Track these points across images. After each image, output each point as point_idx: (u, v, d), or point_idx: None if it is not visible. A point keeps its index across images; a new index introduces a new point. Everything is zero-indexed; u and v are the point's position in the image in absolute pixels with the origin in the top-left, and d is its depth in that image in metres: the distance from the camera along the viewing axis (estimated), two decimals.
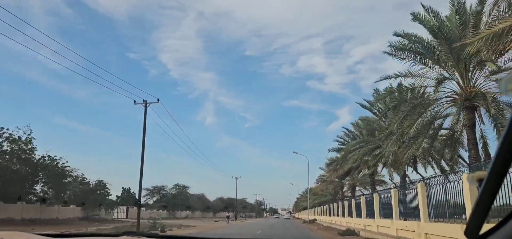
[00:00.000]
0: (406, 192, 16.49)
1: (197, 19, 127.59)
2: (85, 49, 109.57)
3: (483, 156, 16.67)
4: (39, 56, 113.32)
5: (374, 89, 24.11)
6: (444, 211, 12.52)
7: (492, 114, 14.78)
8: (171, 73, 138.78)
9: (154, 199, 72.13)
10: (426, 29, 15.71)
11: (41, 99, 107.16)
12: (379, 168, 28.14)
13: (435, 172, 24.01)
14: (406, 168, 23.25)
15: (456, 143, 19.09)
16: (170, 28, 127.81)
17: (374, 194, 22.93)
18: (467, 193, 10.40)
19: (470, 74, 15.39)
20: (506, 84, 0.77)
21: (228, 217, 48.07)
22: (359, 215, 26.97)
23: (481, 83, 15.50)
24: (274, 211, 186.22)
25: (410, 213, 15.47)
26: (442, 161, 23.55)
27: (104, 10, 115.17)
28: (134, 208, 62.32)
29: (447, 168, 23.05)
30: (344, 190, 44.29)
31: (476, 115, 15.88)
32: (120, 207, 53.54)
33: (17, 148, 27.39)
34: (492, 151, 15.15)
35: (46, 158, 30.17)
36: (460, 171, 14.04)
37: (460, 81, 15.65)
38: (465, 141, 16.83)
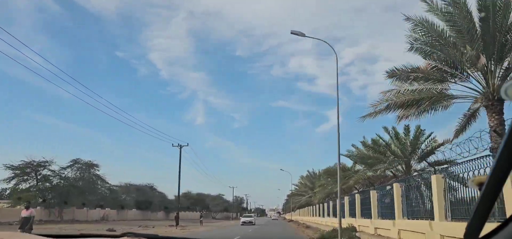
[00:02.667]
0: None
1: (187, 18, 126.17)
2: (73, 47, 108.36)
3: None
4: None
5: None
6: None
7: None
8: (161, 73, 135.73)
9: (28, 184, 38.48)
10: None
11: None
12: None
13: None
14: None
15: None
16: (159, 27, 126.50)
17: None
18: None
19: None
20: (507, 89, 0.80)
21: None
22: None
23: None
24: (261, 212, 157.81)
25: None
26: None
27: (92, 8, 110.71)
28: None
29: None
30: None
31: None
32: None
33: None
34: None
35: None
36: None
37: None
38: None
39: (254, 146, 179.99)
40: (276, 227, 39.52)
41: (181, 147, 39.08)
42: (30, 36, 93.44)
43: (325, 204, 32.27)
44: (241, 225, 40.63)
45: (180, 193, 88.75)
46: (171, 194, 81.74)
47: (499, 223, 0.94)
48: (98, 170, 43.28)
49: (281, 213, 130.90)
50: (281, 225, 47.43)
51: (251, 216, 45.97)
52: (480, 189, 0.89)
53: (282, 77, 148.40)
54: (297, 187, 63.08)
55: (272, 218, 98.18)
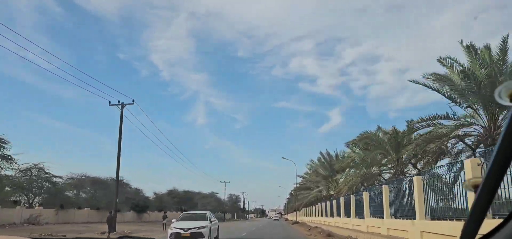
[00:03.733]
0: None
1: (188, 19, 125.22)
2: (74, 49, 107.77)
3: None
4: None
5: None
6: None
7: None
8: (162, 74, 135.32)
9: None
10: None
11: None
12: None
13: None
14: None
15: None
16: (160, 28, 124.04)
17: None
18: None
19: None
20: (502, 92, 0.82)
21: None
22: None
23: None
24: (261, 212, 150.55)
25: None
26: None
27: (94, 9, 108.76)
28: None
29: None
30: None
31: None
32: None
33: None
34: None
35: None
36: None
37: None
38: None
39: (255, 146, 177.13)
40: (275, 230, 25.44)
41: (123, 105, 24.93)
42: (32, 38, 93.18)
43: (366, 194, 17.97)
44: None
45: (164, 191, 75.35)
46: (154, 192, 68.72)
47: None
48: (4, 148, 29.02)
49: (283, 213, 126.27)
50: (283, 229, 33.41)
51: (204, 219, 16.76)
52: (475, 192, 0.88)
53: (283, 78, 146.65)
54: (304, 178, 48.86)
55: (274, 218, 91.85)
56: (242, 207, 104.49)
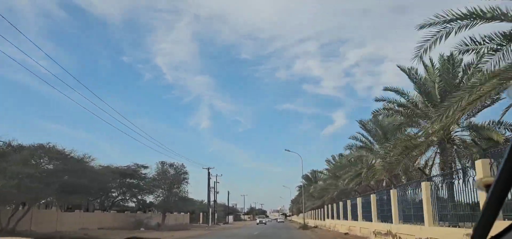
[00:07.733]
0: None
1: (192, 22, 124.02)
2: (78, 52, 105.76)
3: None
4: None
5: None
6: None
7: None
8: (166, 77, 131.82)
9: None
10: None
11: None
12: None
13: None
14: None
15: None
16: (164, 31, 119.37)
17: None
18: None
19: None
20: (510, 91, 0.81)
21: None
22: None
23: None
24: (261, 213, 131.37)
25: None
26: None
27: (98, 13, 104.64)
28: None
29: None
30: None
31: None
32: None
33: None
34: None
35: None
36: None
37: None
38: None
39: (258, 149, 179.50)
40: None
41: None
42: (37, 42, 69.89)
43: None
44: None
45: (102, 165, 32.13)
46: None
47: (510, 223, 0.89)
48: None
49: (289, 214, 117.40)
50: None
51: None
52: (487, 191, 0.87)
53: (287, 80, 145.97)
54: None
55: (278, 220, 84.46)
56: (211, 200, 58.54)
